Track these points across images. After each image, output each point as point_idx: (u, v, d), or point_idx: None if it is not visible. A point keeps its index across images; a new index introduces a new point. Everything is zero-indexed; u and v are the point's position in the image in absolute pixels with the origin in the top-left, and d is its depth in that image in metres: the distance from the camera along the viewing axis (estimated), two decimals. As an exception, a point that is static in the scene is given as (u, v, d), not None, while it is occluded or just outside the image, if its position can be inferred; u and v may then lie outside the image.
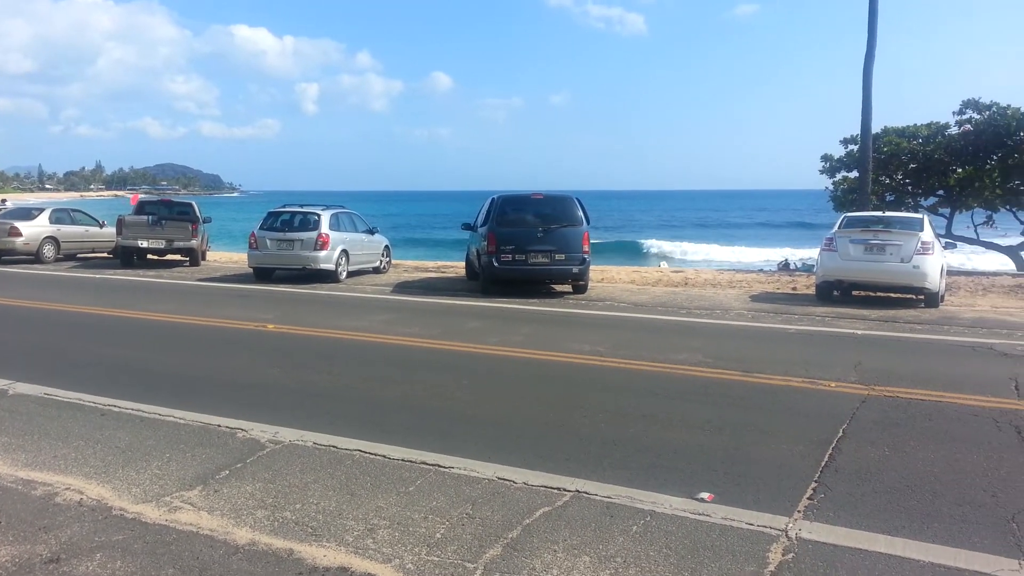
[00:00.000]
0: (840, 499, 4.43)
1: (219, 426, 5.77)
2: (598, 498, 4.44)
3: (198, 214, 20.80)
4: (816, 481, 4.70)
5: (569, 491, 4.54)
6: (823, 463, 5.03)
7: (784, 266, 26.74)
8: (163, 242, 19.97)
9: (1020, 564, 3.66)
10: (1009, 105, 22.15)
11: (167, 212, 20.70)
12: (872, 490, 4.58)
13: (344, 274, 17.12)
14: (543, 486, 4.60)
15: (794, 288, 16.25)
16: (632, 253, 46.86)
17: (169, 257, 20.80)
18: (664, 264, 32.79)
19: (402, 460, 5.06)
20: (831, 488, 4.59)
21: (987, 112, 22.40)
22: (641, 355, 8.66)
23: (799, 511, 4.25)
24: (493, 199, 15.60)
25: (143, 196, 25.80)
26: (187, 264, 20.47)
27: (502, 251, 14.44)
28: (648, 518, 4.17)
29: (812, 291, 14.64)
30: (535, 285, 15.30)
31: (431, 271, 20.09)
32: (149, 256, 20.52)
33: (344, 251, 17.12)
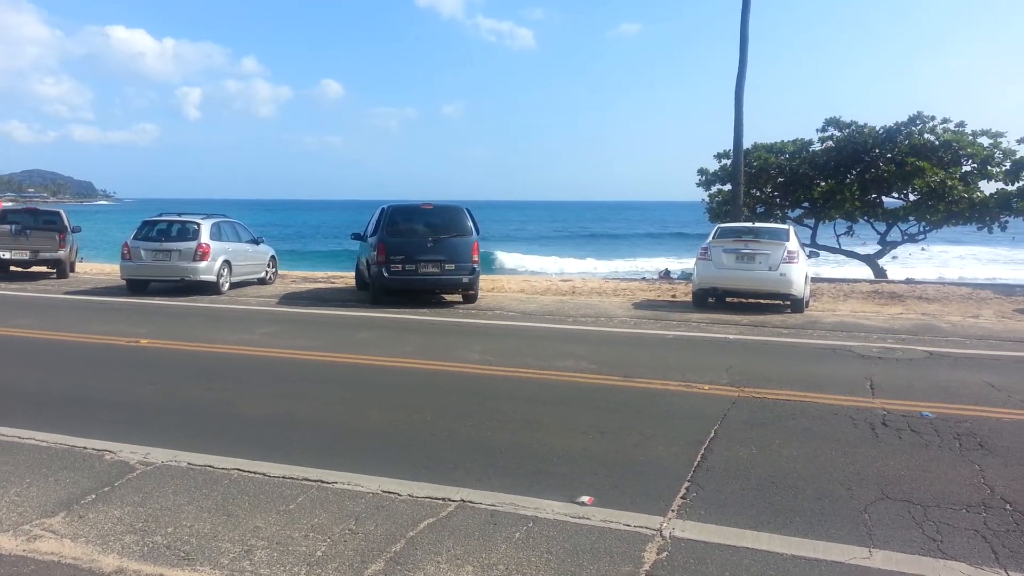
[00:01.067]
0: (711, 497, 4.67)
1: (85, 448, 5.44)
2: (483, 506, 4.49)
3: (66, 223, 19.51)
4: (689, 480, 4.94)
5: (454, 501, 4.57)
6: (696, 463, 5.28)
7: (665, 275, 27.79)
8: (27, 253, 18.61)
9: (870, 552, 3.96)
10: (866, 124, 23.95)
11: (32, 221, 19.27)
12: (740, 487, 4.85)
13: (226, 286, 16.48)
14: (428, 497, 4.61)
15: (674, 296, 16.93)
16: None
17: (35, 269, 19.39)
18: (554, 273, 33.44)
19: (283, 477, 4.94)
20: (703, 487, 4.83)
21: (847, 130, 24.12)
22: (528, 363, 8.80)
23: (673, 510, 4.45)
24: (383, 209, 15.47)
25: (7, 204, 23.89)
26: (54, 276, 19.14)
27: (392, 261, 14.34)
28: (531, 524, 4.25)
29: (690, 298, 15.31)
30: (425, 295, 15.28)
31: (320, 282, 19.65)
32: (12, 268, 19.05)
33: (226, 262, 16.49)
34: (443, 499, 4.59)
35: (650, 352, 9.97)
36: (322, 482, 4.85)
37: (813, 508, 4.53)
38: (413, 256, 14.38)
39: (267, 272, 18.70)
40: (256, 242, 18.51)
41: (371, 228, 15.83)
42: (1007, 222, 22.28)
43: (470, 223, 15.10)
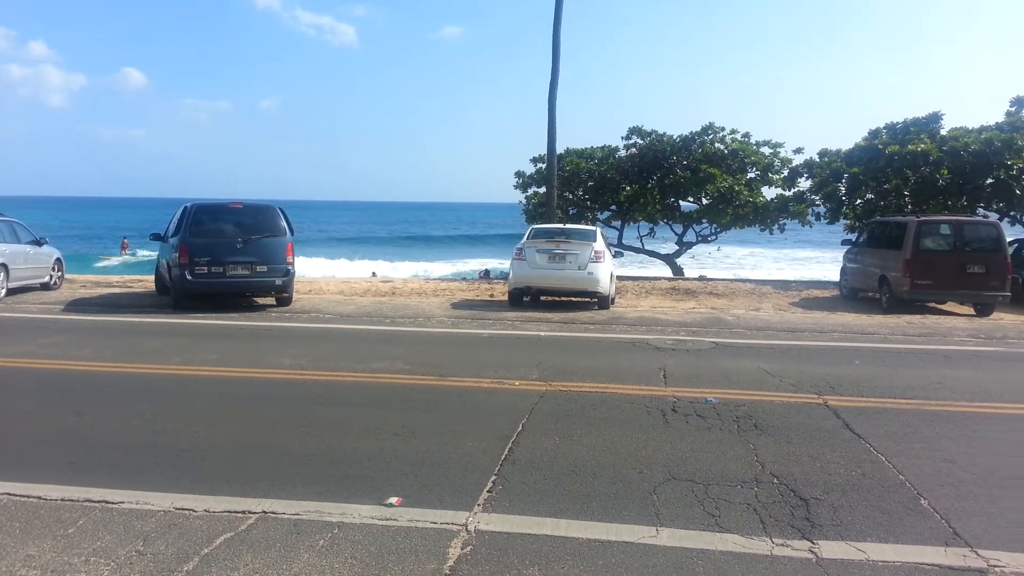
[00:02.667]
0: (515, 489, 4.84)
1: None
2: (285, 516, 4.36)
3: None
4: (496, 474, 5.09)
5: (255, 513, 4.40)
6: (503, 457, 5.45)
7: (485, 275, 28.36)
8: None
9: (657, 531, 4.27)
10: (665, 132, 25.83)
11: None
12: (543, 477, 5.07)
13: (3, 292, 14.74)
14: (226, 511, 4.40)
15: (492, 295, 17.31)
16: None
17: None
18: (375, 274, 33.02)
19: (62, 500, 4.52)
20: (508, 480, 5.00)
21: (648, 138, 25.87)
22: (342, 366, 8.65)
23: (479, 505, 4.56)
24: (186, 207, 14.51)
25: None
26: None
27: (196, 263, 13.50)
28: (336, 530, 4.19)
29: (507, 298, 15.73)
30: (235, 299, 14.53)
31: (115, 286, 18.09)
32: None
33: (3, 265, 14.75)
34: (243, 512, 4.41)
35: (466, 351, 10.14)
36: (106, 502, 4.48)
37: (608, 492, 4.83)
38: (221, 258, 13.63)
39: (52, 276, 16.93)
40: (38, 243, 16.69)
41: (172, 228, 14.81)
42: (785, 224, 24.89)
43: (283, 223, 14.56)
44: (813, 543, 4.12)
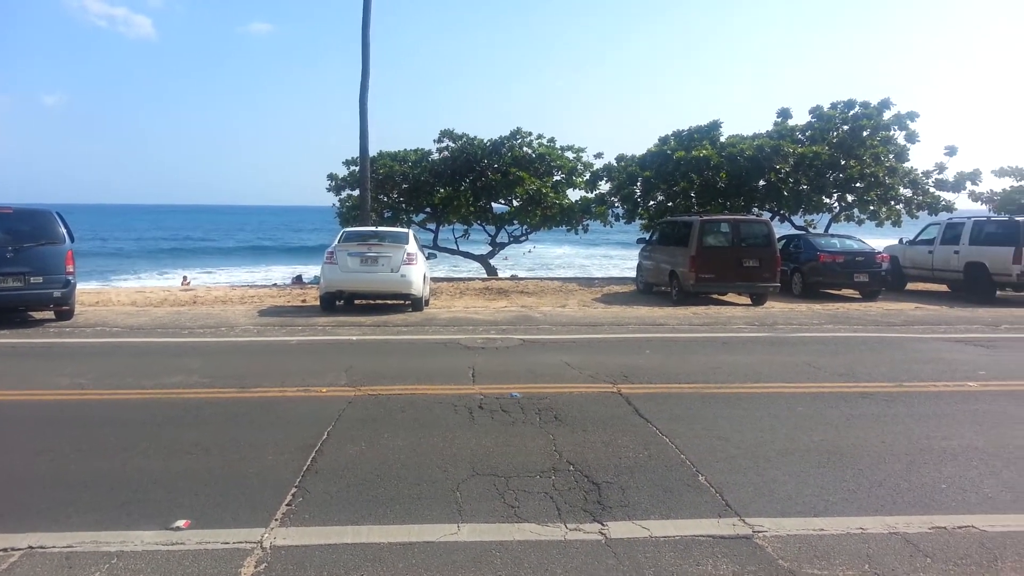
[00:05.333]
0: (317, 500, 4.73)
1: None
2: (56, 550, 3.97)
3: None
4: (297, 486, 4.93)
5: (19, 549, 3.97)
6: (305, 467, 5.30)
7: (297, 280, 27.44)
8: None
9: (459, 527, 4.33)
10: (476, 136, 26.35)
11: None
12: (347, 485, 4.99)
13: None
14: (-18, 552, 3.93)
15: (304, 301, 16.77)
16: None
17: None
18: (188, 278, 30.85)
19: None
20: (309, 491, 4.87)
21: (460, 141, 26.26)
22: (130, 383, 8.00)
23: (276, 520, 4.40)
24: (-61, 214, 12.75)
25: None
26: None
27: (-46, 276, 11.91)
28: (115, 560, 3.88)
29: (319, 303, 15.30)
30: (6, 313, 12.99)
31: None
32: None
33: None
34: (5, 549, 3.96)
35: (271, 359, 9.74)
36: None
37: (412, 494, 4.84)
38: (-13, 269, 12.14)
39: None
40: None
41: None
42: (588, 224, 26.27)
43: (62, 229, 13.21)
44: (603, 525, 4.39)
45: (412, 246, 14.74)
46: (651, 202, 24.38)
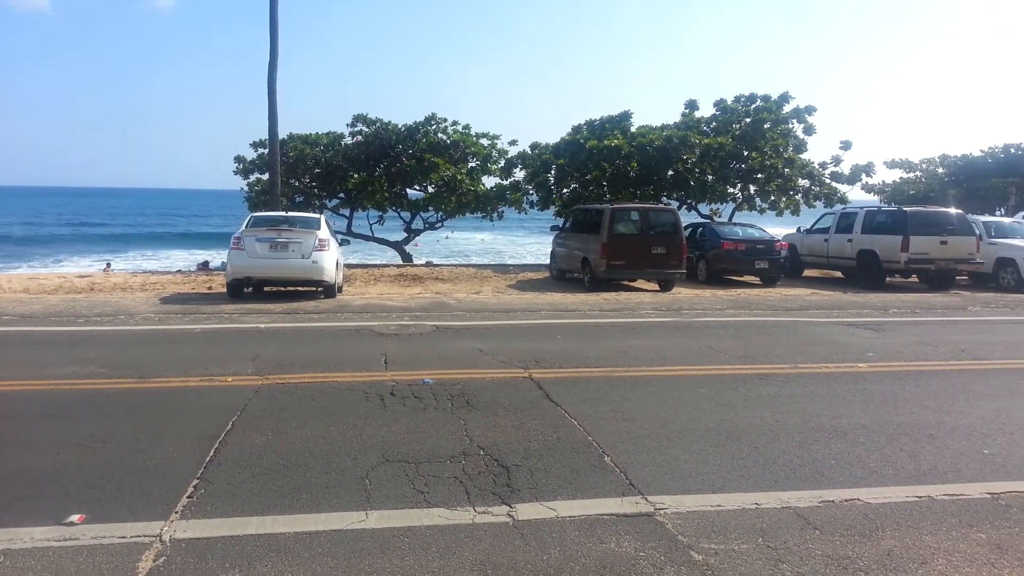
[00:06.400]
0: (220, 491, 4.61)
1: None
2: (-67, 553, 3.74)
3: None
4: (199, 478, 4.80)
5: None
6: (208, 458, 5.16)
7: (204, 266, 26.53)
8: None
9: (367, 514, 4.31)
10: (391, 121, 25.99)
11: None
12: (251, 475, 4.89)
13: None
14: None
15: (210, 288, 16.23)
16: None
17: None
18: (110, 266, 29.32)
19: None
20: (212, 482, 4.75)
21: (374, 126, 25.85)
22: (19, 374, 7.58)
23: (176, 512, 4.28)
24: None
25: None
26: None
27: None
28: (1, 559, 3.69)
29: (226, 290, 14.83)
30: None
31: None
32: None
33: None
34: None
35: (173, 349, 9.40)
36: None
37: (320, 483, 4.79)
38: None
39: None
40: None
41: None
42: (503, 211, 26.39)
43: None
44: (511, 507, 4.46)
45: (324, 232, 14.46)
46: (565, 190, 24.71)
